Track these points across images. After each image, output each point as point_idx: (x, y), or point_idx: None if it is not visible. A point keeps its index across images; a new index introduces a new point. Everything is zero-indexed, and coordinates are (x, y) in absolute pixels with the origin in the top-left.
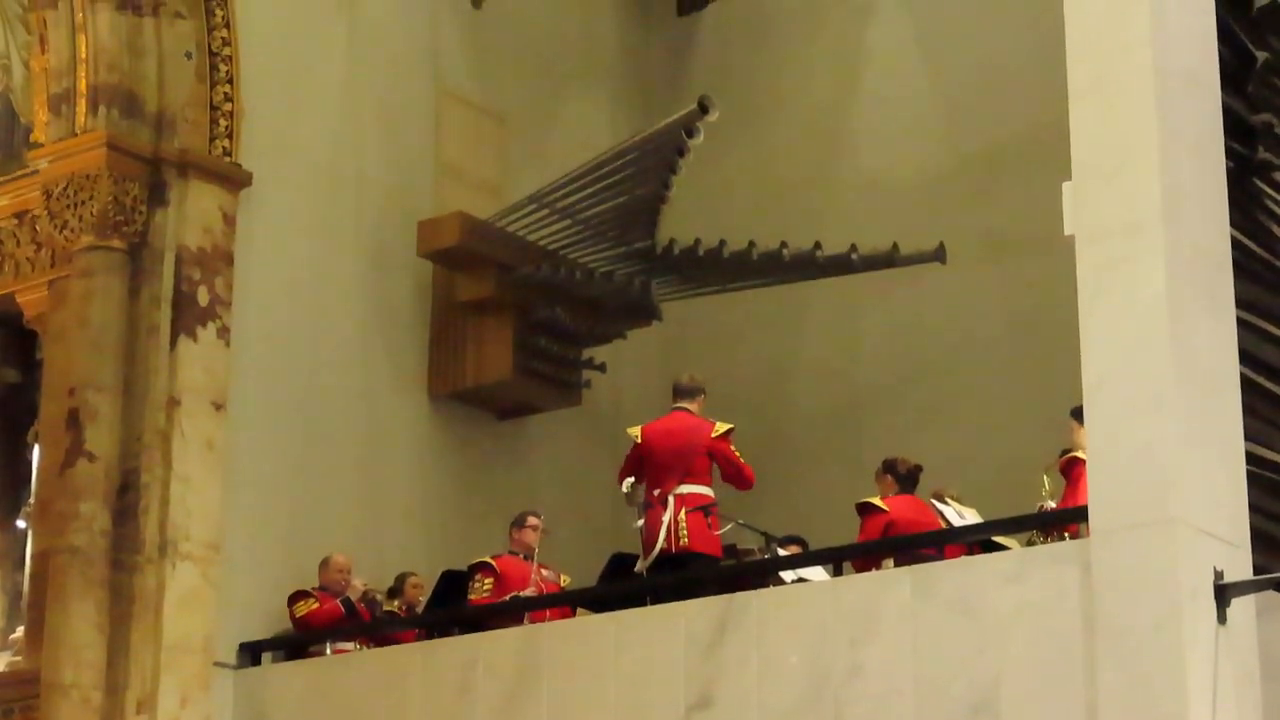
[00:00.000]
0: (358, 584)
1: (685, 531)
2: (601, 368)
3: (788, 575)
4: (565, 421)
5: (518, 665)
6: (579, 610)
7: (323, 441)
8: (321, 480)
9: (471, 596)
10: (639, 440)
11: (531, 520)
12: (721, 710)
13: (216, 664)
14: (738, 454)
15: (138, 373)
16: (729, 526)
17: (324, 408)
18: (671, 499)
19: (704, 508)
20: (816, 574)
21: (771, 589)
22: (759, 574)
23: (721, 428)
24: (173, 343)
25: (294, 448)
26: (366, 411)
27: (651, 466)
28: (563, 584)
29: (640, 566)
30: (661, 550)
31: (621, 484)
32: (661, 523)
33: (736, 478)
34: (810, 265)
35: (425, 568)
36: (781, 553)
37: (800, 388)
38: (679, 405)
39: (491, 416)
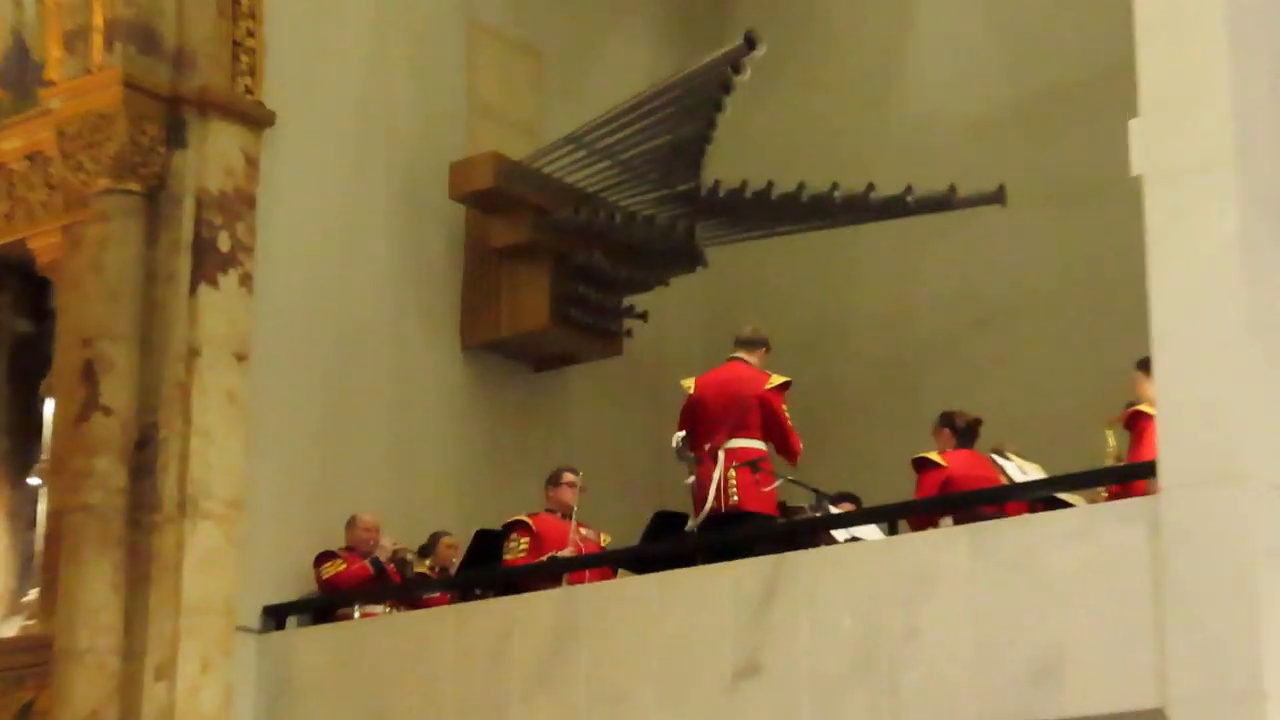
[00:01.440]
0: (387, 544)
1: (735, 488)
2: (643, 316)
3: (840, 534)
4: (605, 373)
5: (555, 628)
6: (620, 571)
7: (350, 394)
8: (349, 435)
9: (507, 557)
10: (692, 391)
11: (568, 477)
12: (770, 676)
13: (239, 628)
14: (787, 415)
15: (156, 322)
16: (779, 483)
17: (351, 359)
18: (721, 454)
19: (753, 462)
20: (870, 533)
21: (823, 549)
22: (810, 533)
23: (777, 380)
24: (192, 291)
25: (320, 401)
26: (396, 362)
27: (703, 419)
28: (603, 543)
29: (691, 525)
30: (711, 509)
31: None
32: (711, 479)
33: (781, 441)
34: (863, 208)
35: (458, 526)
36: (833, 510)
37: (852, 337)
38: (737, 355)
39: (527, 368)
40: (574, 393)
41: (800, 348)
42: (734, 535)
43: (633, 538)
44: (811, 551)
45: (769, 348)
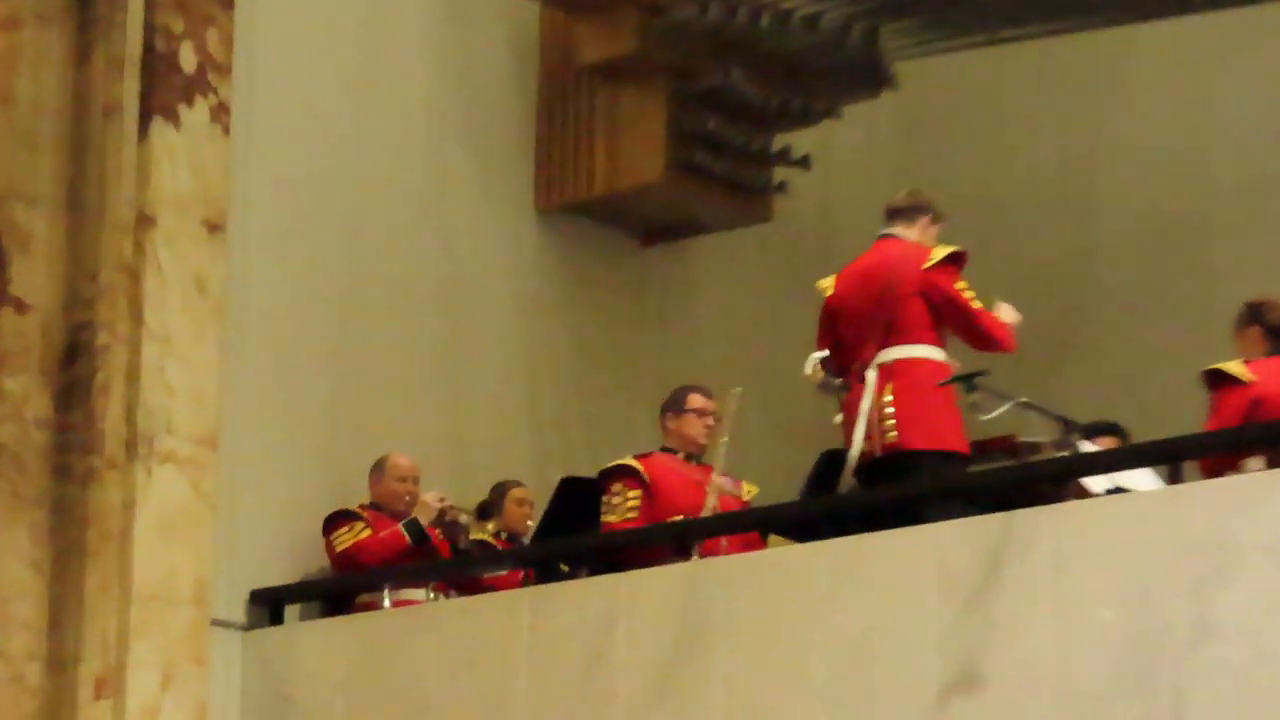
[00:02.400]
0: (430, 499)
1: (892, 420)
2: (803, 163)
3: (1096, 483)
4: (747, 246)
5: (679, 620)
6: (772, 538)
7: (373, 280)
8: (372, 340)
9: (607, 517)
10: (830, 293)
11: (696, 401)
12: (996, 691)
13: (216, 622)
14: (970, 295)
15: (90, 177)
16: (1005, 407)
17: (374, 230)
18: (872, 374)
19: (968, 378)
20: (1142, 480)
21: (1071, 504)
22: (1052, 481)
23: (940, 253)
24: (143, 131)
25: (330, 290)
26: (440, 235)
27: (845, 327)
28: (746, 498)
29: (844, 480)
30: (862, 453)
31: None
32: (860, 412)
33: (969, 332)
34: (1132, 1)
35: (533, 474)
36: (1087, 448)
37: (1111, 193)
38: (888, 232)
39: (633, 240)
40: (702, 276)
41: (1030, 213)
42: (943, 485)
43: (789, 489)
44: (1055, 509)
45: (936, 216)
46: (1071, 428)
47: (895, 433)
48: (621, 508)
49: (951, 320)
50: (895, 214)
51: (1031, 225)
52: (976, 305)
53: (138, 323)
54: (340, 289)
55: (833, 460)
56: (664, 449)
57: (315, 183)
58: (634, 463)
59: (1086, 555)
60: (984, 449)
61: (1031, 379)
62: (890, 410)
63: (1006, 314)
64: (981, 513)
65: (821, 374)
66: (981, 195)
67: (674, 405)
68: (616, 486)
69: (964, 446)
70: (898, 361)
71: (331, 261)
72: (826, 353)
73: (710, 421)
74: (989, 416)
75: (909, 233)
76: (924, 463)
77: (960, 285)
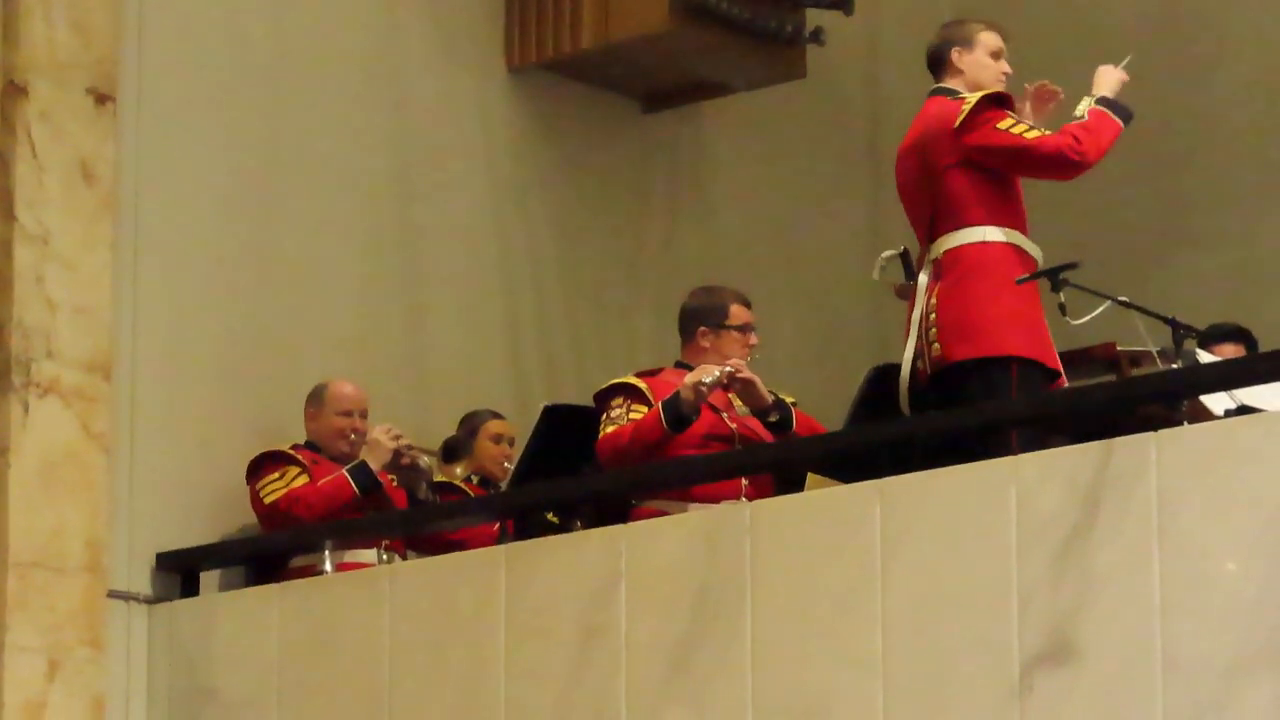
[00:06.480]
0: (382, 436)
1: (934, 328)
2: (844, 4)
3: (1216, 402)
4: (774, 111)
5: (697, 583)
6: (811, 477)
7: (307, 164)
8: (307, 239)
9: (606, 430)
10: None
11: (740, 314)
12: (1093, 665)
13: (114, 594)
14: (1021, 128)
15: None
16: (1102, 309)
17: (307, 98)
18: (924, 273)
19: (1047, 273)
20: (1273, 398)
21: (1186, 429)
22: (1162, 400)
23: (971, 100)
24: None
25: (252, 177)
26: (389, 103)
27: (908, 216)
28: (774, 417)
29: (903, 403)
30: (916, 371)
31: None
32: (911, 319)
33: (1033, 167)
34: None
35: (512, 402)
36: (1205, 358)
37: (1229, 53)
38: (934, 87)
39: (631, 106)
40: (719, 149)
41: (1139, 72)
42: (982, 415)
43: (832, 411)
44: (1165, 435)
45: (966, 40)
46: (1184, 332)
47: (938, 343)
48: (623, 419)
49: (1010, 168)
50: (930, 63)
51: (1134, 90)
52: (1030, 136)
53: (7, 219)
54: (264, 174)
55: (886, 376)
56: (680, 364)
57: (230, 39)
58: (637, 381)
59: (1205, 493)
60: (1075, 361)
61: (1134, 273)
62: (933, 317)
63: (1106, 77)
64: (1074, 441)
65: (893, 278)
66: (1072, 50)
67: (713, 316)
68: (617, 400)
69: (1037, 352)
70: (946, 254)
71: (253, 139)
72: (903, 249)
73: (753, 340)
74: (1081, 321)
75: (956, 80)
76: (973, 379)
77: (1004, 124)
